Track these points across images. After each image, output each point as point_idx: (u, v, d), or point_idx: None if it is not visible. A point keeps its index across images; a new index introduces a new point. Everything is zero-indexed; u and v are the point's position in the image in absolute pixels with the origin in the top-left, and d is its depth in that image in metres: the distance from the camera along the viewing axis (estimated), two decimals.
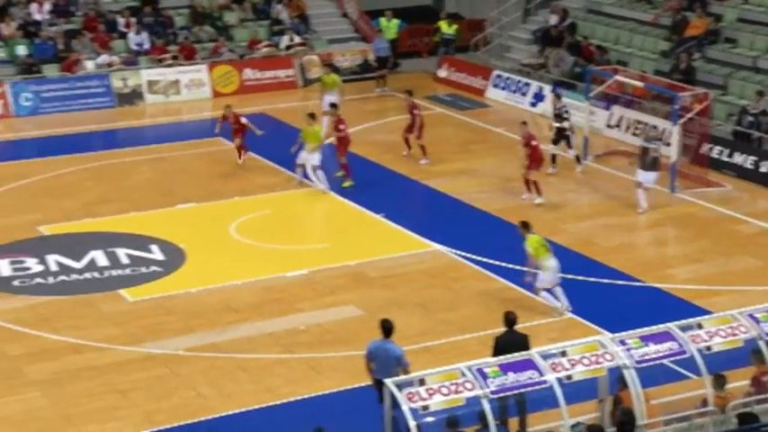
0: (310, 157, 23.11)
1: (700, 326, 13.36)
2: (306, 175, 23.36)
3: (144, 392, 15.51)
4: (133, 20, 31.98)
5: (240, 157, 24.98)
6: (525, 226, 17.79)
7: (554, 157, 23.97)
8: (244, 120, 24.84)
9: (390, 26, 33.36)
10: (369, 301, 18.30)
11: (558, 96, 24.76)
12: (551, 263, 17.55)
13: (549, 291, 17.69)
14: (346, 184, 23.43)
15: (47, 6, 31.76)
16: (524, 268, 18.00)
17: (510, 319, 14.45)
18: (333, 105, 24.88)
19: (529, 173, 22.22)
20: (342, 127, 23.72)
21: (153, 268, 19.65)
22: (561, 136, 24.17)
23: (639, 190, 21.98)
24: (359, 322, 17.48)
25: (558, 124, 24.14)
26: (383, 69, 31.97)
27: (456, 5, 38.15)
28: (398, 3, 35.16)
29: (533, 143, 22.17)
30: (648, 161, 21.83)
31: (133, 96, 30.51)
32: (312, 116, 23.61)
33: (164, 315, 17.93)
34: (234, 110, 25.13)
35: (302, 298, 18.51)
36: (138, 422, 14.72)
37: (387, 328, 14.05)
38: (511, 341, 14.09)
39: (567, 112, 24.29)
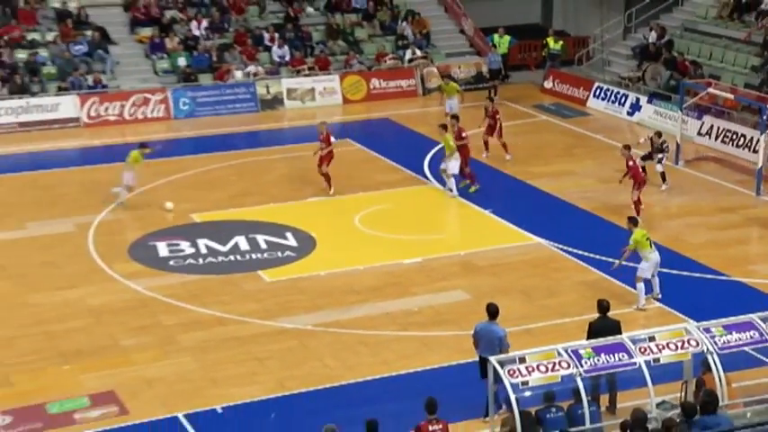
0: (449, 165, 22.60)
1: None
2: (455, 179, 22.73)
3: (278, 361, 15.80)
4: (276, 35, 32.50)
5: (330, 187, 22.74)
6: (632, 221, 17.65)
7: (643, 169, 23.07)
8: (333, 140, 22.90)
9: (502, 42, 33.12)
10: (476, 287, 18.25)
11: (658, 134, 23.35)
12: (653, 255, 17.29)
13: (647, 280, 17.36)
14: (473, 189, 22.96)
15: (204, 23, 32.53)
16: (616, 260, 17.70)
17: (603, 306, 14.25)
18: (454, 117, 24.00)
19: (634, 193, 20.97)
20: (464, 135, 23.18)
21: (287, 253, 19.95)
22: (651, 157, 22.94)
23: None
24: (467, 305, 17.45)
25: (659, 159, 22.85)
26: (495, 81, 31.78)
27: (563, 23, 37.63)
28: (510, 20, 34.85)
29: (630, 163, 21.06)
30: None
31: (274, 102, 30.99)
32: (444, 127, 22.89)
33: (296, 294, 18.21)
34: (327, 127, 23.04)
35: (417, 283, 18.55)
36: (273, 387, 15.01)
37: (492, 311, 14.02)
38: (604, 326, 13.89)
39: (667, 147, 23.16)
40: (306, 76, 31.48)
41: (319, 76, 31.48)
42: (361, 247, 20.32)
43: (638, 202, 21.07)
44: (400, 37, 33.75)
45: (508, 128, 26.68)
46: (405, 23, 34.01)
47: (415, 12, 34.62)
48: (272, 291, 18.37)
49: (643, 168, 22.69)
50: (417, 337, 16.50)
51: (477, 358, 14.07)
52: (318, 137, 23.14)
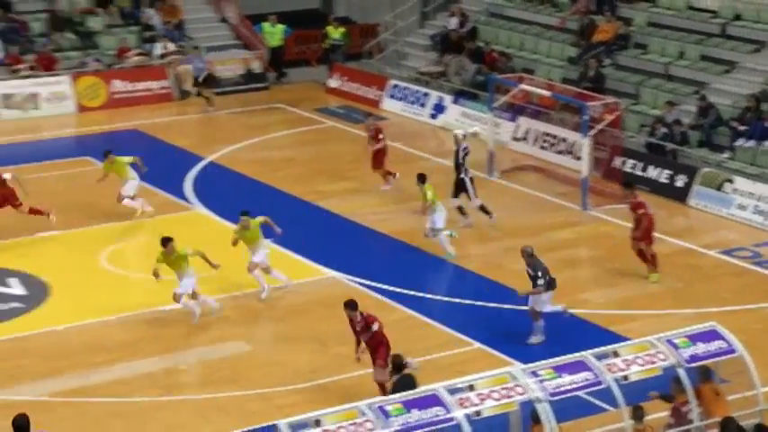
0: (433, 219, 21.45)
1: (616, 354, 13.70)
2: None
3: None
4: None
5: (388, 182, 24.80)
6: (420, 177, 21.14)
7: (460, 209, 22.80)
8: (382, 137, 24.78)
9: (275, 32, 33.43)
10: (257, 335, 18.27)
11: (464, 136, 23.41)
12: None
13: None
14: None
15: None
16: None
17: (397, 364, 14.59)
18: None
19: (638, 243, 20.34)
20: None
21: (12, 305, 19.30)
22: (460, 188, 22.76)
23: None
24: (247, 359, 17.44)
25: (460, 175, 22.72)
26: (201, 87, 31.11)
27: (347, 9, 38.40)
28: (283, 6, 35.24)
29: (641, 211, 20.26)
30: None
31: None
32: (421, 178, 21.72)
33: (24, 357, 17.60)
34: (375, 122, 25.51)
35: (183, 333, 18.37)
36: None
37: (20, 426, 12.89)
38: (405, 386, 14.21)
39: (466, 155, 22.78)
40: (26, 77, 30.62)
41: (44, 78, 30.70)
42: (109, 292, 19.92)
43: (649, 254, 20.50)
44: (146, 27, 33.45)
45: (288, 137, 26.97)
46: (151, 10, 33.75)
47: None
48: None
49: (460, 208, 22.65)
50: (188, 402, 16.31)
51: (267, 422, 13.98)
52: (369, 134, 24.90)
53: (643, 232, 20.31)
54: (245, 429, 15.09)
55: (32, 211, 22.21)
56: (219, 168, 26.57)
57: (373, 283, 20.17)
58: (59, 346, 17.96)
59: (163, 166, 26.10)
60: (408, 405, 12.82)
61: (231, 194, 24.66)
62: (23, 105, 30.44)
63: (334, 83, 33.02)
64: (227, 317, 18.99)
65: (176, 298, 18.41)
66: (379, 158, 24.85)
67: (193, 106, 31.32)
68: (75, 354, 17.69)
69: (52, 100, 30.67)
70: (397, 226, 22.83)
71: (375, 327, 15.96)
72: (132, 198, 22.91)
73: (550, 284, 17.88)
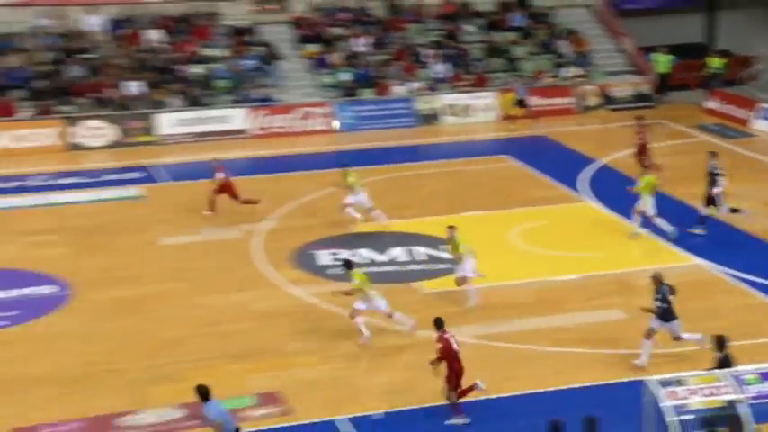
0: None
1: None
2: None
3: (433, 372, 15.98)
4: (435, 52, 32.86)
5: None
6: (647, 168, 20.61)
7: (703, 219, 21.40)
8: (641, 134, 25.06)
9: (663, 61, 32.49)
10: (633, 306, 17.96)
11: (713, 155, 21.73)
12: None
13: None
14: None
15: (367, 40, 33.21)
16: None
17: (722, 342, 13.76)
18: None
19: None
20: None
21: (443, 266, 20.10)
22: (711, 200, 21.25)
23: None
24: (623, 325, 17.25)
25: (713, 190, 21.14)
26: (522, 108, 30.75)
27: (726, 42, 36.59)
28: (671, 40, 34.18)
29: None
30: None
31: (432, 117, 31.40)
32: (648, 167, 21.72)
33: (452, 306, 18.34)
34: (643, 122, 25.34)
35: (569, 300, 18.45)
36: (430, 396, 15.14)
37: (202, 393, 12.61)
38: (729, 362, 13.44)
39: (717, 174, 21.21)
40: (464, 92, 31.76)
41: (477, 93, 31.69)
42: (516, 261, 20.32)
43: None
44: (558, 55, 33.60)
45: (668, 148, 26.27)
46: (563, 42, 33.84)
47: (574, 30, 34.39)
48: (428, 302, 18.56)
49: (702, 218, 21.04)
50: (570, 354, 16.38)
51: (634, 377, 13.82)
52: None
53: None
54: (618, 381, 15.12)
55: (246, 201, 22.66)
56: (608, 170, 26.30)
57: (732, 271, 19.25)
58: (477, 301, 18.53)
59: (563, 166, 26.26)
60: (764, 376, 12.23)
61: (616, 191, 24.29)
62: (461, 113, 31.62)
63: (710, 104, 31.63)
64: (609, 289, 18.82)
65: (352, 314, 16.91)
66: (642, 151, 24.70)
67: (592, 118, 31.16)
68: (483, 307, 18.15)
69: (482, 110, 31.61)
70: (757, 226, 21.59)
71: (437, 347, 14.26)
72: (351, 207, 21.69)
73: (666, 315, 15.61)
